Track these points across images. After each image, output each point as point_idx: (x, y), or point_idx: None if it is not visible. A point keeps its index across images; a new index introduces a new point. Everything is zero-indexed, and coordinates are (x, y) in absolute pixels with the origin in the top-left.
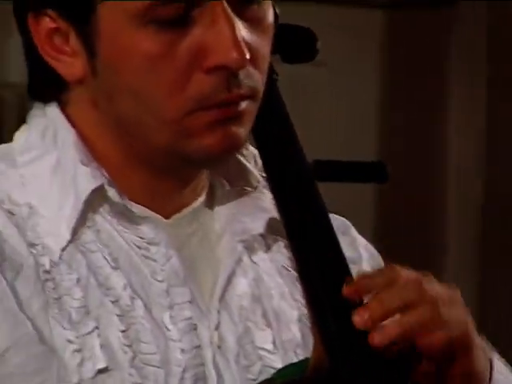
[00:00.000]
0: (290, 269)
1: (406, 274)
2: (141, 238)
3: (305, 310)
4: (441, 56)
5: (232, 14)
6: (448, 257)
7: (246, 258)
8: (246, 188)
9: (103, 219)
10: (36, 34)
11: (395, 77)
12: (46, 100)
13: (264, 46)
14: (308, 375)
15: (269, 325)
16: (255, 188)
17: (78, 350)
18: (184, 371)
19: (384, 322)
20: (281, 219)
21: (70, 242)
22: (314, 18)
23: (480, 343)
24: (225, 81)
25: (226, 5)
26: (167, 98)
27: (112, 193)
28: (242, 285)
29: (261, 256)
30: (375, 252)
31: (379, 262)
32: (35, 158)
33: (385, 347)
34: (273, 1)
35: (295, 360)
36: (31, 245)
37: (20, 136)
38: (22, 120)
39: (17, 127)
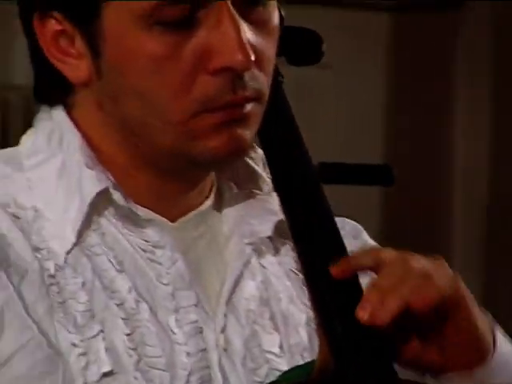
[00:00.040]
0: (297, 272)
1: (390, 253)
2: (146, 241)
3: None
4: (446, 58)
5: (237, 16)
6: (453, 258)
7: (254, 261)
8: (255, 191)
9: (108, 222)
10: (41, 36)
11: (401, 79)
12: (52, 103)
13: (269, 48)
14: (313, 377)
15: (276, 328)
16: (264, 191)
17: (83, 354)
18: (189, 374)
19: None
20: (286, 221)
21: (75, 244)
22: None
23: (475, 305)
24: (230, 83)
25: (231, 6)
26: (172, 99)
27: (117, 196)
28: (249, 287)
29: (269, 259)
30: None
31: None
32: (41, 161)
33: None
34: (279, 3)
35: (302, 363)
36: (36, 249)
37: (27, 140)
38: (27, 122)
39: (22, 129)
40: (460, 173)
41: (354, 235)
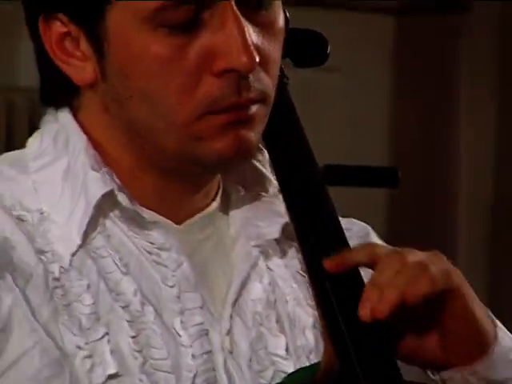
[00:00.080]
0: (304, 274)
1: (385, 248)
2: (151, 243)
3: None
4: (450, 60)
5: (241, 17)
6: (458, 258)
7: (260, 263)
8: (262, 193)
9: (114, 224)
10: (47, 38)
11: (405, 81)
12: (57, 105)
13: (274, 49)
14: (318, 378)
15: (282, 331)
16: (271, 193)
17: (88, 356)
18: (195, 376)
19: None
20: (290, 222)
21: (80, 247)
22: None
23: (473, 296)
24: (235, 84)
25: (235, 8)
26: (177, 101)
27: (122, 198)
28: (256, 290)
29: (276, 261)
30: None
31: None
32: (47, 163)
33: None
34: (286, 6)
35: (307, 365)
36: (40, 252)
37: (33, 142)
38: (32, 124)
39: (27, 131)
40: (464, 173)
41: (362, 236)
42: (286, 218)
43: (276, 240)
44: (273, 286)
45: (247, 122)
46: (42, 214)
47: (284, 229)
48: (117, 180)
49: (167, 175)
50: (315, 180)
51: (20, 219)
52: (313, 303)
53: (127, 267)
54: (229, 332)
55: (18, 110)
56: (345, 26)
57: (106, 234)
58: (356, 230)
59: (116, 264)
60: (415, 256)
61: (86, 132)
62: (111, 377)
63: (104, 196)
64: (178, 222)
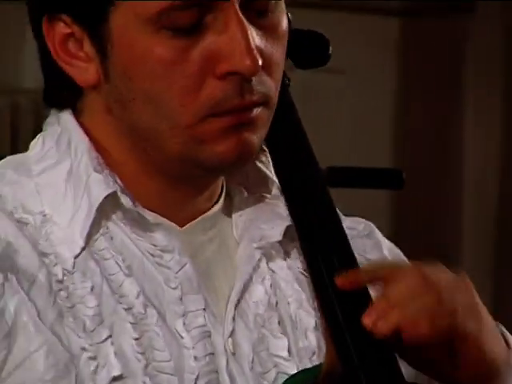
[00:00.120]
0: (307, 276)
1: (406, 265)
2: (154, 245)
3: None
4: (457, 64)
5: (245, 20)
6: (463, 259)
7: (263, 265)
8: (265, 195)
9: (116, 226)
10: (50, 39)
11: (411, 83)
12: (61, 106)
13: (277, 53)
14: (320, 380)
15: (285, 332)
16: (274, 194)
17: (93, 358)
18: (197, 378)
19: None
20: (292, 223)
21: (83, 249)
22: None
23: (492, 326)
24: (238, 87)
25: (239, 11)
26: (180, 103)
27: (125, 200)
28: (258, 292)
29: (278, 263)
30: (400, 253)
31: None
32: (50, 166)
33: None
34: (291, 8)
35: (309, 367)
36: (43, 254)
37: (35, 145)
38: (37, 126)
39: (32, 133)
40: (470, 174)
41: (367, 234)
42: (288, 220)
43: (279, 241)
44: (275, 287)
45: (250, 125)
46: (44, 216)
47: (287, 231)
48: (119, 182)
49: (170, 178)
50: (316, 182)
51: (22, 222)
52: (315, 305)
53: (130, 269)
54: (231, 334)
55: (23, 112)
56: (350, 28)
57: (109, 235)
58: (361, 229)
59: (119, 266)
60: (436, 277)
61: (88, 134)
62: (115, 379)
63: (107, 198)
64: (181, 224)
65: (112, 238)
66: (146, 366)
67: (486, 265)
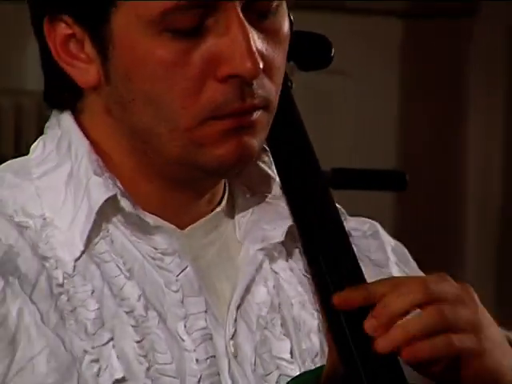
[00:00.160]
0: (310, 277)
1: (409, 278)
2: (155, 248)
3: None
4: (460, 65)
5: (246, 23)
6: (467, 260)
7: (265, 266)
8: (268, 195)
9: (117, 229)
10: (51, 39)
11: (414, 84)
12: (61, 108)
13: (279, 57)
14: (322, 382)
15: (287, 334)
16: (277, 194)
17: (95, 361)
18: (199, 381)
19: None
20: (294, 223)
21: (83, 252)
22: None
23: (499, 340)
24: (238, 90)
25: (240, 13)
26: (180, 106)
27: (125, 203)
28: (261, 293)
29: (281, 264)
30: (405, 252)
31: (409, 262)
32: (50, 169)
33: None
34: (294, 10)
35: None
36: (44, 258)
37: (36, 148)
38: (40, 127)
39: (35, 134)
40: (473, 175)
41: (372, 235)
42: (291, 220)
43: (281, 242)
44: (277, 289)
45: (250, 129)
46: (44, 219)
47: (289, 231)
48: (119, 185)
49: (170, 180)
50: (317, 182)
51: (22, 226)
52: (318, 306)
53: (131, 272)
54: (233, 336)
55: (27, 114)
56: (353, 30)
57: (110, 238)
58: (365, 230)
59: (120, 269)
60: (441, 290)
61: (88, 136)
62: (118, 381)
63: (107, 201)
64: (182, 227)
65: (112, 241)
66: (148, 369)
67: (488, 266)
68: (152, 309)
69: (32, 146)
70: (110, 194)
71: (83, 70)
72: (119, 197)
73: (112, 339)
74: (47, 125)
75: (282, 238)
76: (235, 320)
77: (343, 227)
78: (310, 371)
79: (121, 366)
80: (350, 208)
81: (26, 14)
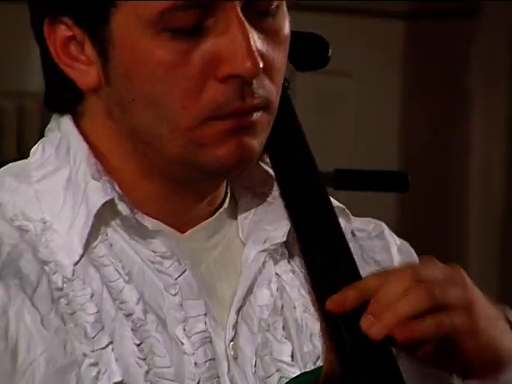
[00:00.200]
0: None
1: (397, 268)
2: (153, 251)
3: None
4: (462, 66)
5: (246, 23)
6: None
7: (268, 268)
8: (270, 195)
9: (115, 233)
10: (51, 41)
11: (416, 86)
12: (62, 110)
13: (279, 57)
14: (321, 382)
15: (289, 337)
16: (278, 194)
17: (94, 364)
18: None
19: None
20: (291, 224)
21: (82, 256)
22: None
23: (494, 317)
24: (239, 90)
25: (240, 13)
26: (181, 106)
27: (122, 207)
28: (264, 296)
29: (283, 267)
30: (411, 251)
31: (415, 261)
32: (49, 173)
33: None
34: (297, 11)
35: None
36: (44, 262)
37: (36, 151)
38: (43, 129)
39: (38, 137)
40: (475, 175)
41: (376, 235)
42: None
43: (284, 243)
44: (280, 291)
45: (250, 129)
46: (44, 223)
47: (291, 231)
48: (118, 189)
49: (170, 182)
50: (315, 185)
51: (23, 229)
52: None
53: (130, 275)
54: (233, 338)
55: (29, 115)
56: (354, 31)
57: (109, 242)
58: (369, 230)
59: (119, 272)
60: (429, 273)
61: (88, 139)
62: None
63: (105, 205)
64: (183, 230)
65: (111, 245)
66: (147, 372)
67: (491, 266)
68: (151, 312)
69: (32, 149)
70: (108, 198)
71: (83, 71)
72: (116, 201)
73: (111, 343)
74: (47, 128)
75: (283, 239)
76: (236, 322)
77: (340, 228)
78: (309, 372)
79: (119, 369)
80: (351, 209)
81: (28, 15)
